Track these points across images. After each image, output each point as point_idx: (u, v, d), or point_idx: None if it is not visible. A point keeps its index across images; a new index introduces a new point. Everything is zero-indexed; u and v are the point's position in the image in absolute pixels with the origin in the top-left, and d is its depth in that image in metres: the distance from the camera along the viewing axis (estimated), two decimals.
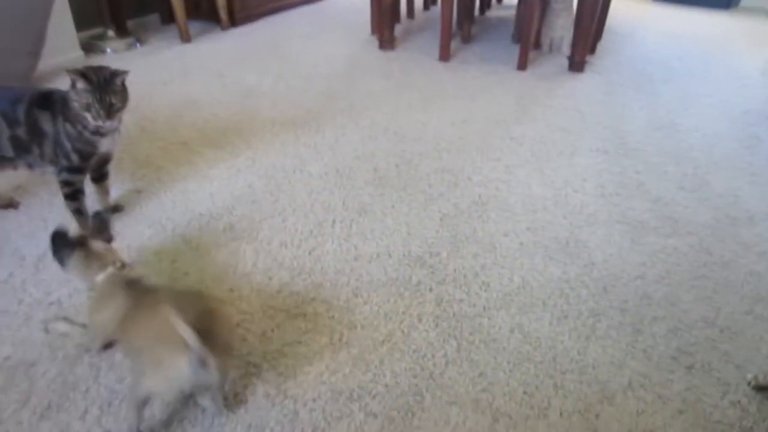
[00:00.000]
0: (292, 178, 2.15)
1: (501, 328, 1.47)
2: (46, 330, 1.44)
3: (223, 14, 3.88)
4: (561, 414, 1.25)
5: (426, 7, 4.61)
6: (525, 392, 1.30)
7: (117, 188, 2.01)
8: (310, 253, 1.73)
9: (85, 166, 1.73)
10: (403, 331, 1.45)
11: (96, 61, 3.17)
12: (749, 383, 1.36)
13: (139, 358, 1.15)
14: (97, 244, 1.31)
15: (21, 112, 1.61)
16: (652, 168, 2.27)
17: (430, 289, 1.59)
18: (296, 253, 1.73)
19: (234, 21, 3.98)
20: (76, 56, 3.19)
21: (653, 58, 3.60)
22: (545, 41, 3.54)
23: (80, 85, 1.57)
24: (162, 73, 3.15)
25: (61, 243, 1.29)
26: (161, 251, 1.73)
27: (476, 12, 4.29)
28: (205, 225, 1.85)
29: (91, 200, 1.89)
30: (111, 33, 3.49)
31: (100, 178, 1.87)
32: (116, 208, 1.93)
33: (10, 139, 1.62)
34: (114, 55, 3.40)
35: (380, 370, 1.34)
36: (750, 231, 1.90)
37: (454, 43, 3.66)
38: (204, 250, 1.73)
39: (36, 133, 1.63)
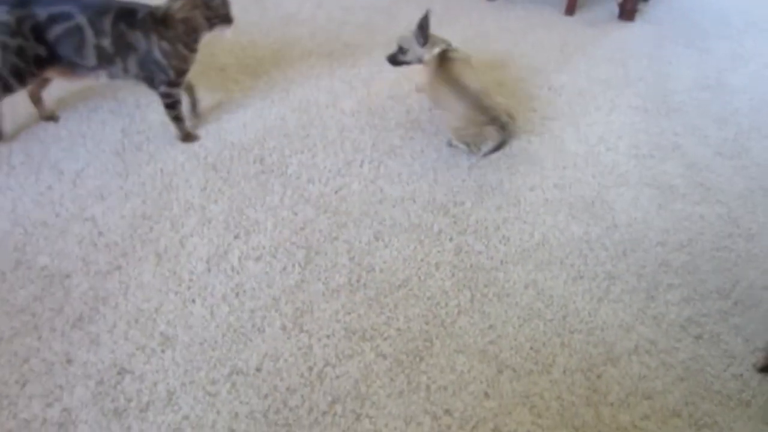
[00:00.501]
0: (324, 113, 2.15)
1: (516, 283, 1.51)
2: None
3: None
4: (564, 371, 1.30)
5: None
6: (532, 348, 1.35)
7: (153, 110, 2.05)
8: (336, 192, 1.76)
9: (181, 81, 1.85)
10: (419, 278, 1.49)
11: None
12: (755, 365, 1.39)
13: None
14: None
15: (107, 24, 1.67)
16: (692, 130, 2.20)
17: (451, 239, 1.62)
18: (323, 191, 1.76)
19: None
20: None
21: (712, 10, 3.38)
22: None
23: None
24: None
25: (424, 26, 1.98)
26: (190, 179, 1.78)
27: None
28: (236, 155, 1.89)
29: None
30: None
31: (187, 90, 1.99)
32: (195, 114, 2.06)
33: (96, 48, 1.69)
34: None
35: (394, 313, 1.39)
36: None
37: None
38: (233, 181, 1.77)
39: (123, 47, 1.71)
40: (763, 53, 2.88)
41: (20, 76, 1.71)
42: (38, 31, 1.64)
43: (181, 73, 1.82)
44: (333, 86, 2.32)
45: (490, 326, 1.38)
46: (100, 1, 1.70)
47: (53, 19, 1.64)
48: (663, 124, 2.23)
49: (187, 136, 1.94)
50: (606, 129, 2.17)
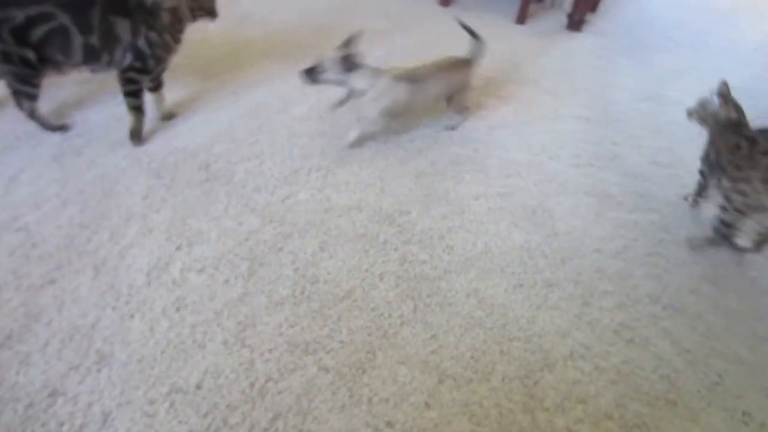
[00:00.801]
0: (274, 119, 2.13)
1: (458, 292, 1.54)
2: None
3: None
4: (503, 379, 1.34)
5: None
6: (472, 357, 1.38)
7: (96, 112, 1.99)
8: (283, 201, 1.75)
9: (154, 70, 1.82)
10: (363, 289, 1.51)
11: None
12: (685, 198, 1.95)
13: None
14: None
15: (95, 18, 1.62)
16: (630, 140, 2.29)
17: (396, 249, 1.64)
18: (269, 200, 1.75)
19: None
20: None
21: (654, 24, 3.53)
22: None
23: None
24: None
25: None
26: (132, 186, 1.73)
27: None
28: (182, 161, 1.86)
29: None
30: None
31: (157, 86, 1.95)
32: (170, 115, 2.03)
33: (83, 47, 1.65)
34: None
35: (337, 326, 1.40)
36: (711, 212, 1.95)
37: None
38: (177, 189, 1.74)
39: (109, 40, 1.67)
40: (698, 67, 3.03)
41: (28, 81, 1.68)
42: (18, 34, 1.58)
43: (160, 62, 1.81)
44: (285, 91, 2.31)
45: (432, 336, 1.41)
46: None
47: (33, 21, 1.57)
48: (603, 133, 2.32)
49: (138, 133, 1.90)
50: (549, 138, 2.24)
